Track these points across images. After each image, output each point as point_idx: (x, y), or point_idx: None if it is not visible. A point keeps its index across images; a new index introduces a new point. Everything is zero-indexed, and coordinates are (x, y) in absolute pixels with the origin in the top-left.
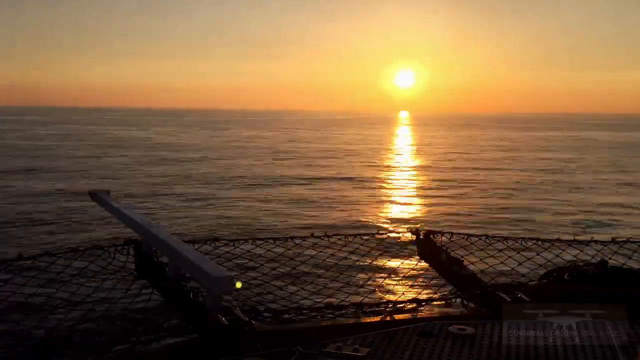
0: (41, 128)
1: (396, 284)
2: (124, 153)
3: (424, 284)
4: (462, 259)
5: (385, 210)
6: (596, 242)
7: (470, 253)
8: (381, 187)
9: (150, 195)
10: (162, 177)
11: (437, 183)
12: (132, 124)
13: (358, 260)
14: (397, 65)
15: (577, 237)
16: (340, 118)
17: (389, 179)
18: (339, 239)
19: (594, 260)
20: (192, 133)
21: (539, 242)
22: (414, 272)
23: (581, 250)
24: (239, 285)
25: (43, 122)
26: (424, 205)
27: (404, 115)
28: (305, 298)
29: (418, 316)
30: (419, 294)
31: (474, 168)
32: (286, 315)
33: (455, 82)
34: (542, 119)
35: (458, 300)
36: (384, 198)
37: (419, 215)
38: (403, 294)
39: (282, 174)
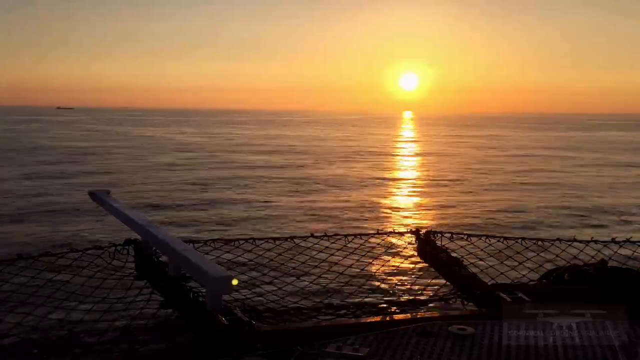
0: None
1: (396, 284)
2: None
3: (424, 284)
4: (462, 259)
5: None
6: (596, 242)
7: (470, 253)
8: None
9: None
10: None
11: None
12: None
13: (358, 260)
14: (401, 66)
15: (577, 237)
16: (353, 118)
17: None
18: (339, 239)
19: (593, 260)
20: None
21: (539, 242)
22: (414, 272)
23: (581, 250)
24: (235, 282)
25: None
26: None
27: (407, 115)
28: (305, 298)
29: (418, 316)
30: (419, 294)
31: None
32: (286, 316)
33: (460, 82)
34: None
35: (458, 300)
36: None
37: None
38: (403, 294)
39: None
